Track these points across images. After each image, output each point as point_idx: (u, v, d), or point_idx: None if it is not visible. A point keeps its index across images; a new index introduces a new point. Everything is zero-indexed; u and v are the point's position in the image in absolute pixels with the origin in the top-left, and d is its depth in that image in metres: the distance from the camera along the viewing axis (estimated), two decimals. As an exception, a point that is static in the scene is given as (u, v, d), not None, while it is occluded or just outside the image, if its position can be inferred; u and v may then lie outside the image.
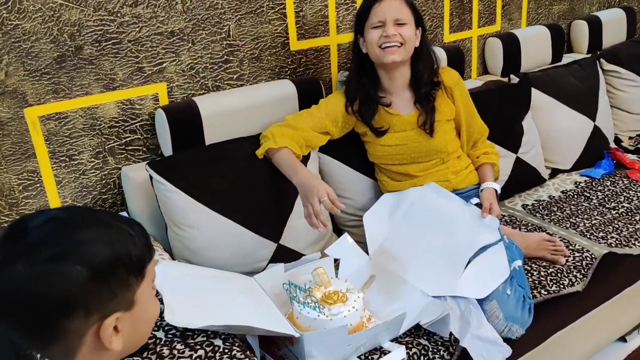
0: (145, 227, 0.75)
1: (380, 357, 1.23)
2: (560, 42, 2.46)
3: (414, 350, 1.27)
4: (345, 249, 1.49)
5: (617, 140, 2.44)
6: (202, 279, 1.28)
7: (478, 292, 1.36)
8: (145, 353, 1.03)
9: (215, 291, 1.23)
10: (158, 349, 1.04)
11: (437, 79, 1.64)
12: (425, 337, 1.31)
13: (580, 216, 1.86)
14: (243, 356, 1.05)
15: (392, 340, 1.28)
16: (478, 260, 1.41)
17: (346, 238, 1.51)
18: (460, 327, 1.29)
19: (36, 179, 1.46)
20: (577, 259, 1.62)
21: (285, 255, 1.56)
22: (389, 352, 1.25)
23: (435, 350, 1.29)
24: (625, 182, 2.08)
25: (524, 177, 2.05)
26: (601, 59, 2.44)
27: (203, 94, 1.66)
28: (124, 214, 1.54)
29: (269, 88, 1.70)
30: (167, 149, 1.55)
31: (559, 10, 2.64)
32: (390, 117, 1.62)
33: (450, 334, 1.28)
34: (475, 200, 1.62)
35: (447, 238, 1.47)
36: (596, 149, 2.24)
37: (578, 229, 1.79)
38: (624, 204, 1.92)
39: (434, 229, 1.50)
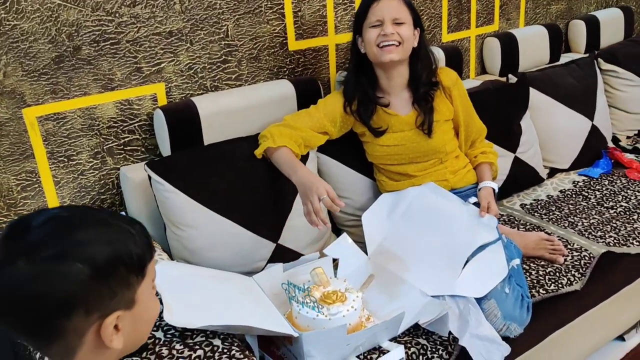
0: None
1: (379, 356, 1.24)
2: (558, 41, 2.47)
3: (412, 349, 1.27)
4: (344, 248, 1.49)
5: (615, 140, 2.45)
6: (201, 279, 1.29)
7: (476, 291, 1.36)
8: (145, 353, 1.03)
9: (214, 291, 1.23)
10: (157, 349, 1.04)
11: (436, 79, 1.64)
12: (424, 337, 1.31)
13: (578, 215, 1.87)
14: (242, 356, 1.05)
15: (391, 340, 1.29)
16: (476, 260, 1.41)
17: (345, 238, 1.52)
18: (459, 326, 1.30)
19: (34, 179, 1.46)
20: (575, 258, 1.62)
21: (284, 255, 1.56)
22: (388, 351, 1.25)
23: (434, 349, 1.29)
24: (623, 181, 2.08)
25: (522, 177, 2.05)
26: (599, 59, 2.45)
27: (201, 94, 1.66)
28: (123, 214, 1.54)
29: (267, 88, 1.70)
30: (165, 149, 1.55)
31: (557, 10, 2.64)
32: (389, 117, 1.62)
33: (449, 333, 1.29)
34: (473, 199, 1.63)
35: (445, 237, 1.47)
36: (594, 148, 2.25)
37: (576, 228, 1.79)
38: (622, 203, 1.93)
39: (432, 229, 1.50)
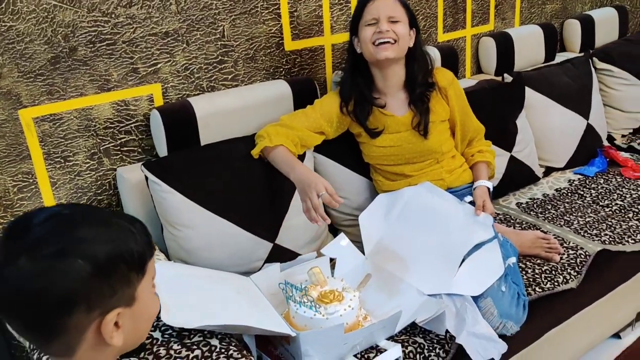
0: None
1: (376, 355, 1.24)
2: (553, 41, 2.48)
3: (409, 348, 1.27)
4: (341, 248, 1.49)
5: (610, 139, 2.46)
6: (198, 279, 1.29)
7: (473, 289, 1.36)
8: (142, 353, 1.04)
9: (212, 291, 1.24)
10: (155, 349, 1.05)
11: (432, 80, 1.64)
12: (421, 335, 1.31)
13: (574, 214, 1.88)
14: (240, 356, 1.05)
15: (388, 339, 1.29)
16: (473, 258, 1.42)
17: (342, 238, 1.52)
18: (456, 324, 1.30)
19: (31, 180, 1.46)
20: (571, 256, 1.63)
21: (281, 255, 1.56)
22: (385, 350, 1.25)
23: (431, 348, 1.29)
24: (619, 179, 2.09)
25: (518, 176, 2.06)
26: (594, 58, 2.46)
27: (198, 94, 1.66)
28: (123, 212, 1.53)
29: (263, 88, 1.70)
30: (162, 150, 1.55)
31: (552, 10, 2.65)
32: (385, 118, 1.63)
33: (446, 331, 1.29)
34: (468, 198, 1.63)
35: (441, 236, 1.48)
36: (589, 147, 2.26)
37: (572, 227, 1.80)
38: (617, 202, 1.94)
39: (428, 228, 1.50)
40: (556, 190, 2.07)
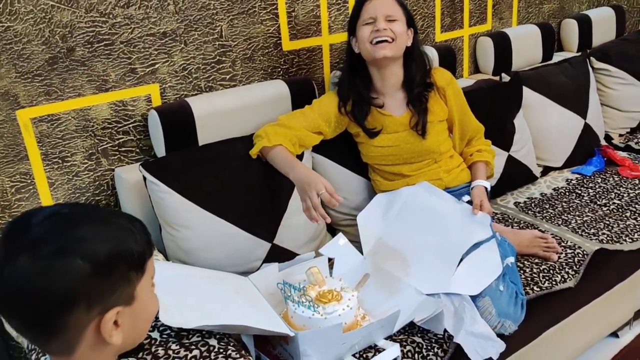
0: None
1: (374, 355, 1.24)
2: (551, 40, 2.48)
3: (408, 347, 1.28)
4: (339, 248, 1.50)
5: (608, 138, 2.47)
6: (196, 279, 1.29)
7: (471, 288, 1.37)
8: (141, 354, 1.04)
9: (210, 291, 1.24)
10: (153, 350, 1.04)
11: (430, 80, 1.65)
12: (419, 335, 1.31)
13: (571, 213, 1.88)
14: (238, 356, 1.06)
15: (386, 338, 1.29)
16: (471, 258, 1.42)
17: (340, 237, 1.52)
18: (454, 323, 1.30)
19: (29, 181, 1.46)
20: (569, 255, 1.64)
21: (279, 255, 1.56)
22: (384, 350, 1.25)
23: (429, 347, 1.29)
24: (616, 179, 2.10)
25: (516, 175, 2.06)
26: (591, 57, 2.47)
27: (196, 94, 1.66)
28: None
29: (261, 88, 1.70)
30: (160, 150, 1.55)
31: (549, 9, 2.66)
32: (383, 118, 1.63)
33: (444, 330, 1.29)
34: (466, 197, 1.63)
35: (439, 236, 1.48)
36: (587, 146, 2.26)
37: (570, 226, 1.80)
38: (615, 201, 1.94)
39: (426, 227, 1.51)
40: (554, 189, 2.07)
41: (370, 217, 1.57)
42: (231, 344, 1.09)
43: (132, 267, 0.71)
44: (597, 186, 2.05)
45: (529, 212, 1.92)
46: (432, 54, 1.98)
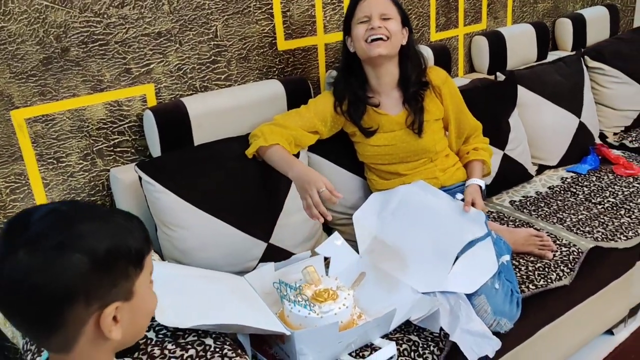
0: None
1: (371, 353, 1.24)
2: (545, 39, 2.49)
3: (404, 346, 1.28)
4: (335, 247, 1.50)
5: (602, 136, 2.48)
6: (192, 279, 1.29)
7: (467, 287, 1.37)
8: (136, 353, 1.03)
9: (206, 291, 1.24)
10: (149, 349, 1.04)
11: (425, 79, 1.65)
12: (415, 333, 1.32)
13: (566, 211, 1.89)
14: (234, 355, 1.06)
15: (382, 337, 1.29)
16: (466, 256, 1.42)
17: (336, 237, 1.52)
18: (450, 322, 1.30)
19: (23, 181, 1.45)
20: (564, 253, 1.64)
21: (275, 254, 1.56)
22: (380, 348, 1.26)
23: (425, 345, 1.30)
24: (611, 177, 2.11)
25: (511, 174, 2.07)
26: (585, 56, 2.48)
27: (191, 94, 1.66)
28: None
29: (257, 88, 1.70)
30: (155, 150, 1.55)
31: (544, 9, 2.67)
32: (379, 117, 1.63)
33: (440, 329, 1.29)
34: (460, 195, 1.63)
35: (435, 234, 1.48)
36: (582, 145, 2.27)
37: (565, 224, 1.81)
38: (610, 199, 1.95)
39: (422, 226, 1.51)
40: (549, 188, 2.08)
41: (366, 215, 1.57)
42: (227, 343, 1.09)
43: (131, 263, 0.71)
44: (591, 184, 2.06)
45: (524, 210, 1.92)
46: (427, 53, 1.98)
